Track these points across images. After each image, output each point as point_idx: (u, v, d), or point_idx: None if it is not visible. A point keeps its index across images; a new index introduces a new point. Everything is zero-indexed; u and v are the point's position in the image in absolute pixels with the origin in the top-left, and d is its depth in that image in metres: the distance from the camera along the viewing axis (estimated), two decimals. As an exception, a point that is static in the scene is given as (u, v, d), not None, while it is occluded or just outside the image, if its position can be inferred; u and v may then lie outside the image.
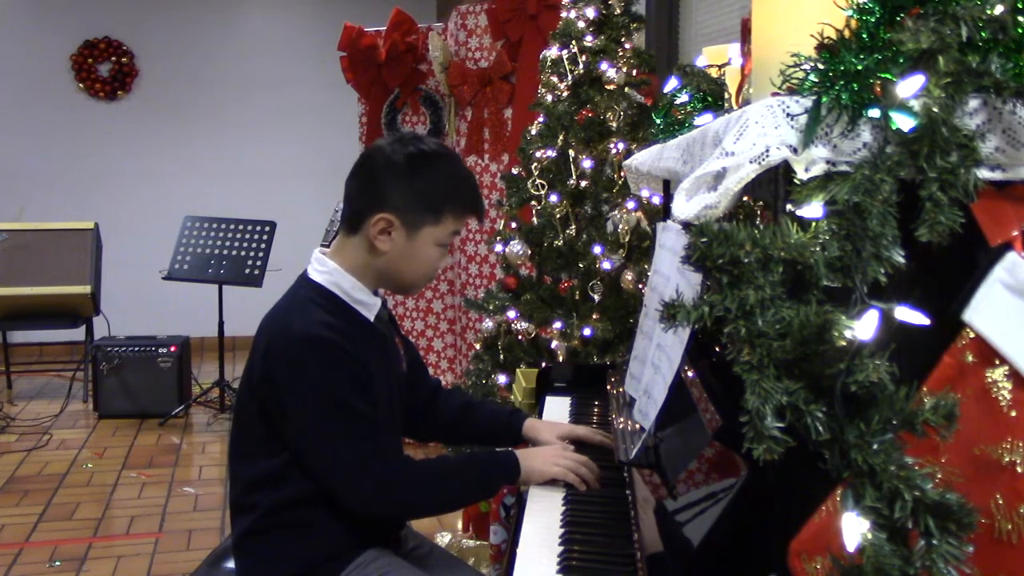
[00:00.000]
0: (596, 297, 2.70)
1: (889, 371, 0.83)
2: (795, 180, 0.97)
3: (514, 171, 3.02)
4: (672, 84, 1.90)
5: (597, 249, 2.69)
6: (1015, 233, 0.98)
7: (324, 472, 1.52)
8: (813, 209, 0.94)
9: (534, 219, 2.93)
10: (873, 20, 0.99)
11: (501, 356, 2.95)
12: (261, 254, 5.08)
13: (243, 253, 5.11)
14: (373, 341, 1.61)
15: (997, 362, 0.96)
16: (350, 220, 1.61)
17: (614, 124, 2.73)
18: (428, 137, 1.68)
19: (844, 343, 0.84)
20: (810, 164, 0.96)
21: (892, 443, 0.83)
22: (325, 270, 1.60)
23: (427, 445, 4.29)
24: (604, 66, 2.78)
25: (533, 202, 2.91)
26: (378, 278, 1.62)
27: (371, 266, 1.60)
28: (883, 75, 0.95)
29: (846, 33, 1.00)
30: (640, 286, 2.58)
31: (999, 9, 0.93)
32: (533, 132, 2.95)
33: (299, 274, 1.66)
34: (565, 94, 2.86)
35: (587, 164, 2.78)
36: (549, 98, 2.91)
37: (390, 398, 1.64)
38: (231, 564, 1.65)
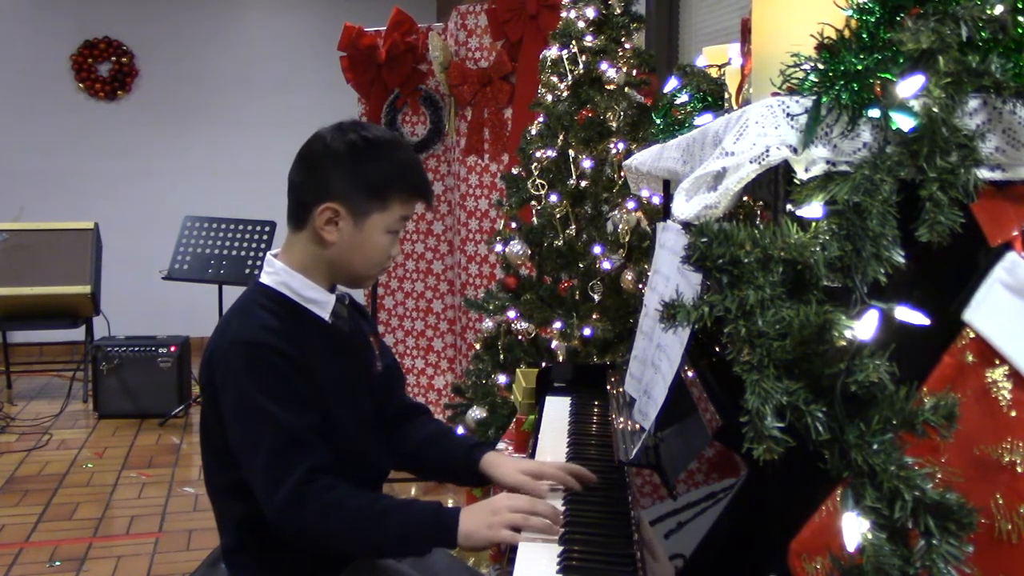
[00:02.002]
0: (596, 297, 2.70)
1: (889, 371, 0.83)
2: (795, 180, 0.97)
3: (514, 171, 3.02)
4: (672, 84, 1.90)
5: (597, 249, 2.69)
6: (1015, 233, 0.98)
7: (249, 482, 1.46)
8: (813, 209, 0.94)
9: (534, 219, 2.93)
10: (873, 20, 0.99)
11: (501, 356, 2.95)
12: (261, 254, 5.08)
13: (243, 253, 5.11)
14: (328, 341, 1.56)
15: (997, 362, 0.96)
16: (295, 214, 1.57)
17: (614, 124, 2.73)
18: (372, 124, 1.63)
19: (844, 343, 0.84)
20: (810, 164, 0.97)
21: (892, 443, 0.83)
22: (273, 271, 1.56)
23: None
24: (604, 66, 2.78)
25: (533, 202, 2.91)
26: (330, 272, 1.57)
27: (321, 260, 1.55)
28: (883, 75, 0.95)
29: (846, 33, 1.00)
30: (640, 286, 2.58)
31: (999, 9, 0.93)
32: (533, 132, 2.96)
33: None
34: (565, 94, 2.86)
35: (587, 164, 2.78)
36: (549, 98, 2.91)
37: (353, 397, 1.58)
38: (231, 564, 1.65)
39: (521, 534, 1.36)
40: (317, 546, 1.49)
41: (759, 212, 1.45)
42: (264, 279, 1.57)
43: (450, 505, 1.45)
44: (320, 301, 1.57)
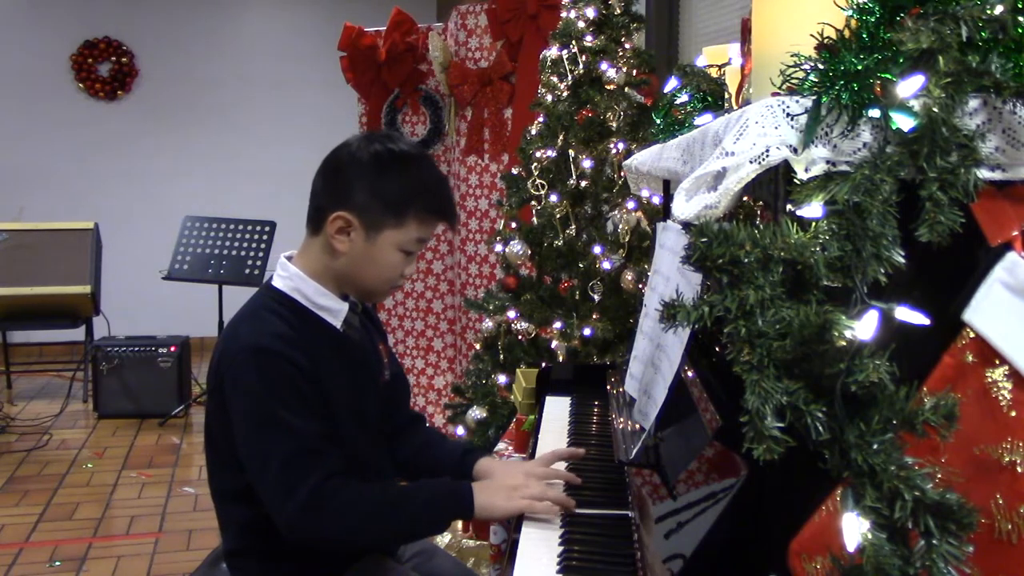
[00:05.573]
0: (596, 297, 2.70)
1: (889, 371, 0.83)
2: (795, 180, 0.97)
3: (514, 171, 3.02)
4: (672, 84, 1.90)
5: (597, 249, 2.69)
6: (1015, 233, 0.98)
7: (259, 490, 1.44)
8: (813, 209, 0.94)
9: (534, 219, 2.93)
10: (873, 20, 0.99)
11: (501, 356, 2.95)
12: (261, 254, 5.08)
13: (243, 253, 5.11)
14: (339, 349, 1.54)
15: (997, 362, 0.96)
16: (313, 219, 1.54)
17: (614, 124, 2.73)
18: (403, 137, 1.59)
19: (844, 343, 0.83)
20: (810, 164, 0.97)
21: (892, 443, 0.83)
22: (287, 275, 1.54)
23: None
24: (604, 66, 2.78)
25: (533, 202, 2.91)
26: (339, 283, 1.55)
27: (331, 269, 1.53)
28: (883, 75, 0.95)
29: (846, 33, 1.00)
30: (640, 286, 2.58)
31: (999, 9, 0.93)
32: (533, 132, 2.95)
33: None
34: (565, 94, 2.86)
35: (587, 164, 2.78)
36: (549, 98, 2.91)
37: (360, 407, 1.56)
38: (231, 564, 1.65)
39: (523, 532, 1.37)
40: (335, 547, 1.49)
41: (759, 212, 1.45)
42: (276, 282, 1.55)
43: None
44: (333, 309, 1.54)
